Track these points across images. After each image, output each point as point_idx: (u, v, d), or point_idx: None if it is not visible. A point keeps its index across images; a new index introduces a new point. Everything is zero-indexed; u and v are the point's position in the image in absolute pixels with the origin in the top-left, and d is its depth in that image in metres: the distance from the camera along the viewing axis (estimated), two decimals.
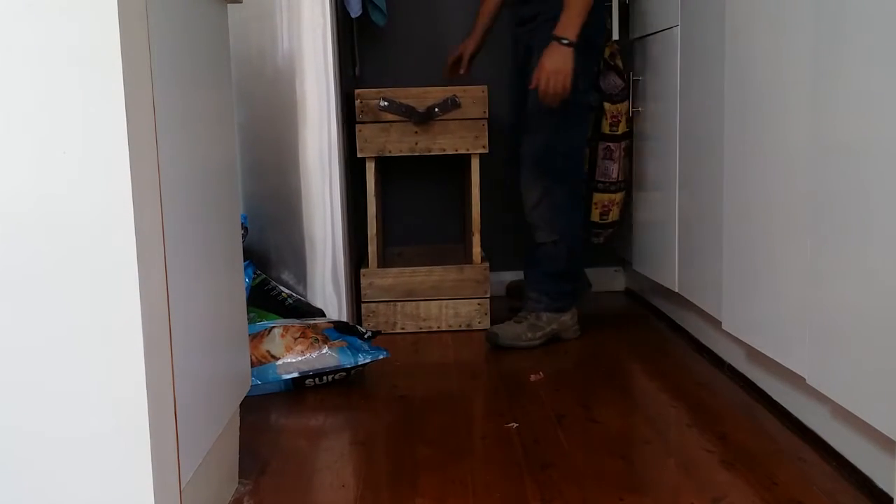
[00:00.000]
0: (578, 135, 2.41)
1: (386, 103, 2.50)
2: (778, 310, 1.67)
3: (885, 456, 1.37)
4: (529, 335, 2.36)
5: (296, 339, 2.03)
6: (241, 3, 1.49)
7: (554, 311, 2.39)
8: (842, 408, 1.45)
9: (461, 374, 2.11)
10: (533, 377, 2.07)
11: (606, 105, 2.68)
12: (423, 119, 2.50)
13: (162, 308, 1.06)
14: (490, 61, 3.03)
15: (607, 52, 2.67)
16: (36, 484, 1.00)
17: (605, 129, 2.69)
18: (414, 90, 2.53)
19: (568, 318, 2.42)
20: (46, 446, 0.99)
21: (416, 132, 2.53)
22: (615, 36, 2.64)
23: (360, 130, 2.53)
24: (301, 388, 2.02)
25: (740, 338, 1.88)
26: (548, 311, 2.38)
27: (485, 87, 2.62)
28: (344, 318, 2.49)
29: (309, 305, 2.40)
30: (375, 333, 2.15)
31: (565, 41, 2.17)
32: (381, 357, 2.08)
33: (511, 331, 2.36)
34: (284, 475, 1.56)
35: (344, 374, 2.05)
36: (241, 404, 1.51)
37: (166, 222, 1.08)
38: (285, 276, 2.45)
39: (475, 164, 2.56)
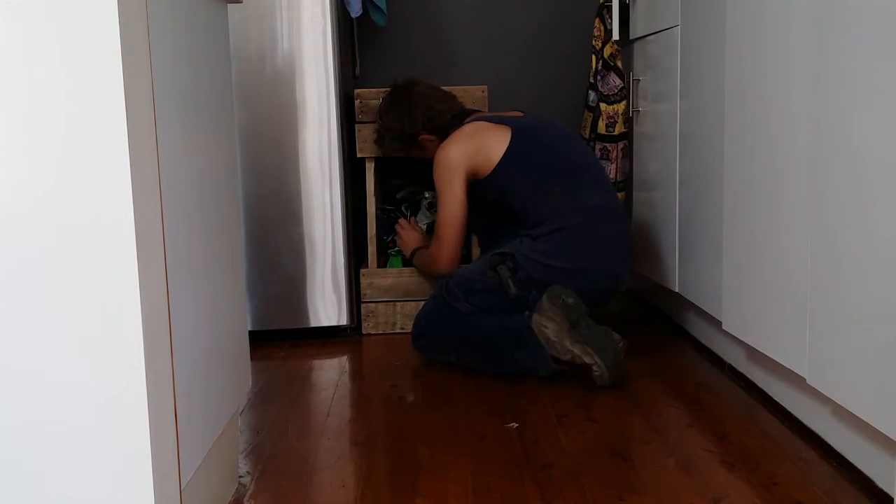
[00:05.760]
0: None
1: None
2: (778, 310, 1.67)
3: (885, 456, 1.37)
4: None
5: None
6: (241, 3, 1.49)
7: None
8: (842, 408, 1.45)
9: (461, 374, 2.11)
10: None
11: (602, 105, 2.68)
12: None
13: (162, 308, 1.06)
14: (490, 61, 3.04)
15: (607, 52, 2.67)
16: (36, 484, 1.00)
17: (602, 129, 2.69)
18: None
19: None
20: (46, 446, 0.99)
21: None
22: (615, 36, 2.64)
23: (359, 130, 2.53)
24: None
25: (740, 338, 1.87)
26: None
27: (484, 87, 2.62)
28: (344, 319, 2.49)
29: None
30: None
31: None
32: None
33: None
34: (284, 475, 1.56)
35: None
36: (240, 404, 1.51)
37: (166, 222, 1.08)
38: (285, 276, 2.44)
39: None
